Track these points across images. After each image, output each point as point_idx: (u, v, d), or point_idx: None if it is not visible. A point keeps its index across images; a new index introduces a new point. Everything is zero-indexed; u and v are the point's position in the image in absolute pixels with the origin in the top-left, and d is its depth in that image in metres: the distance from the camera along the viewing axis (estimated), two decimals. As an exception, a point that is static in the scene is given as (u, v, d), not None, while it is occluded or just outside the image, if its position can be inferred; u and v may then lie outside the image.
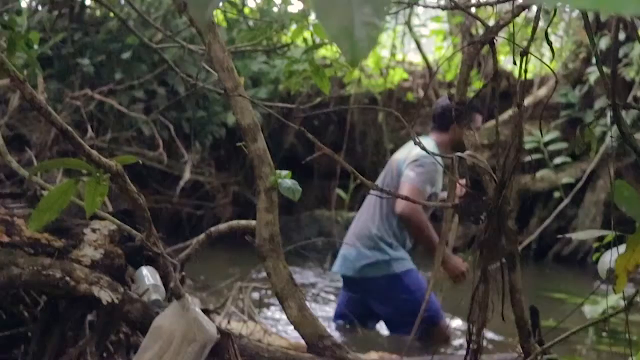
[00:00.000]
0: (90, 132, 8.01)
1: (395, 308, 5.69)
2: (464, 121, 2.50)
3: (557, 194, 10.20)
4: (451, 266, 5.50)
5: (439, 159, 5.41)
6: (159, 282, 3.04)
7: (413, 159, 5.52)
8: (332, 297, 7.44)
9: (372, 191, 5.68)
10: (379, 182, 5.84)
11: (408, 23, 10.91)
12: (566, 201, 9.23)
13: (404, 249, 5.82)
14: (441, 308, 5.65)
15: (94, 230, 3.03)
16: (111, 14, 8.39)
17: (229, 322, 4.78)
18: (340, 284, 8.38)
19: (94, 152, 2.54)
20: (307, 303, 3.02)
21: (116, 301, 2.87)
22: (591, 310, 6.34)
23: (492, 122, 8.43)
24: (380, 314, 5.91)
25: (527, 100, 10.52)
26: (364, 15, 1.00)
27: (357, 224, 5.92)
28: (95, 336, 3.07)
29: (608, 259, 2.11)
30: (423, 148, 2.38)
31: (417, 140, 2.52)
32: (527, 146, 10.09)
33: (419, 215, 5.47)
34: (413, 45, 11.34)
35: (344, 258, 5.89)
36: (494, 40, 2.44)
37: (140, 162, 2.69)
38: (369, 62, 11.31)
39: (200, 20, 1.19)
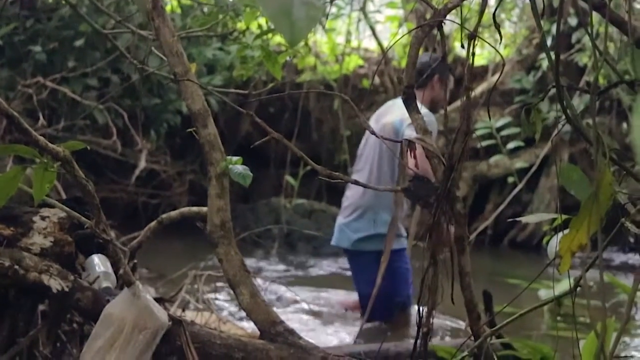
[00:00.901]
0: (42, 121, 7.93)
1: (365, 283, 5.52)
2: (412, 105, 2.51)
3: (511, 179, 10.26)
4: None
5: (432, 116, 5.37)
6: (110, 270, 3.02)
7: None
8: (290, 283, 7.45)
9: (365, 163, 5.67)
10: (363, 151, 5.78)
11: (363, 9, 10.91)
12: (520, 186, 9.31)
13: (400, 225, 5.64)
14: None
15: (43, 218, 2.99)
16: (63, 1, 8.31)
17: (183, 311, 4.76)
18: (292, 272, 8.43)
19: (41, 138, 2.51)
20: (261, 290, 3.02)
21: (66, 289, 2.84)
22: (546, 294, 6.39)
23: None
24: (361, 292, 5.80)
25: (481, 87, 10.57)
26: (302, -5, 0.99)
27: (354, 195, 5.82)
28: (47, 325, 3.05)
29: (555, 242, 2.12)
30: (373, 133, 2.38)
31: (369, 128, 2.53)
32: (480, 132, 10.14)
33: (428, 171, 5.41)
34: (368, 31, 11.34)
35: (340, 230, 5.83)
36: (442, 24, 2.44)
37: (92, 149, 2.67)
38: (325, 49, 11.30)
39: (140, 4, 1.18)
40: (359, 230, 5.63)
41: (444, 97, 5.60)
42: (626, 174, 2.22)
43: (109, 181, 9.58)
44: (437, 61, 5.36)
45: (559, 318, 6.26)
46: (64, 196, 5.91)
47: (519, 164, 10.31)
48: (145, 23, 7.01)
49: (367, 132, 5.77)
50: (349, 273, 8.57)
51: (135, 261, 3.38)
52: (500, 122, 10.38)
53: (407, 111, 2.56)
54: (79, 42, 8.50)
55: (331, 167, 2.98)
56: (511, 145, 10.29)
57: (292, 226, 9.39)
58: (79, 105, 8.55)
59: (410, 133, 5.24)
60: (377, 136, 2.44)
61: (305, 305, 5.93)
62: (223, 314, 5.68)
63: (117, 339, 2.66)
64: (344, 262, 9.19)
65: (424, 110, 5.26)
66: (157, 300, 3.00)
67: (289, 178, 10.39)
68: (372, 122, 5.75)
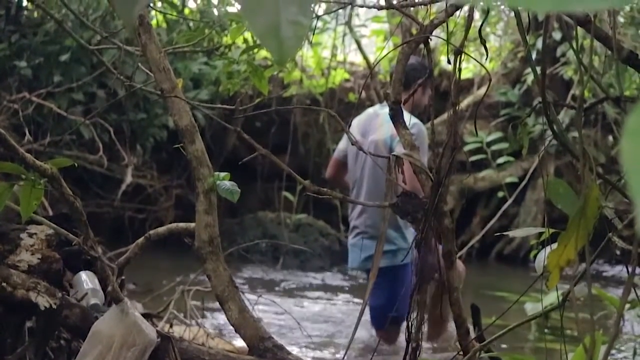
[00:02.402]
0: (28, 136, 7.91)
1: (387, 300, 5.48)
2: (399, 120, 2.52)
3: (500, 194, 10.27)
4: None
5: (421, 125, 5.32)
6: (98, 287, 3.01)
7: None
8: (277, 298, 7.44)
9: (357, 178, 5.63)
10: (354, 172, 5.75)
11: (348, 23, 10.93)
12: (510, 200, 9.32)
13: (407, 238, 5.63)
14: None
15: (30, 235, 2.99)
16: (48, 16, 8.30)
17: (171, 326, 4.75)
18: (279, 286, 8.42)
19: (29, 156, 2.51)
20: (249, 305, 3.02)
21: (54, 306, 2.83)
22: (533, 307, 6.40)
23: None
24: (372, 305, 5.67)
25: (467, 100, 10.60)
26: (291, 14, 1.00)
27: (360, 215, 5.76)
28: (35, 342, 3.04)
29: (543, 256, 2.13)
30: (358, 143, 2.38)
31: (358, 145, 2.53)
32: (470, 147, 10.16)
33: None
34: (354, 45, 11.36)
35: (351, 250, 5.79)
36: (429, 40, 2.45)
37: (78, 165, 2.67)
38: (310, 63, 11.31)
39: (128, 19, 1.18)
40: (366, 249, 5.57)
41: (428, 103, 5.58)
42: (612, 188, 2.24)
43: (95, 196, 9.55)
44: (421, 67, 5.37)
45: (546, 331, 6.27)
46: (50, 213, 5.90)
47: (507, 177, 10.33)
48: (131, 38, 7.01)
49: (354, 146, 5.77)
50: (334, 287, 8.61)
51: (123, 277, 3.38)
52: (491, 137, 10.39)
53: (395, 127, 2.56)
54: (64, 57, 8.48)
55: (318, 182, 2.98)
56: (501, 160, 10.31)
57: (279, 240, 9.37)
58: (64, 120, 8.53)
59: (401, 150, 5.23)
60: (366, 153, 2.44)
61: (292, 320, 5.91)
62: (211, 330, 5.67)
63: (105, 356, 2.65)
64: (330, 276, 9.21)
65: (413, 119, 5.22)
66: (144, 316, 2.99)
67: (287, 194, 10.37)
68: (357, 136, 5.58)
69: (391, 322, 5.33)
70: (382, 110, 5.67)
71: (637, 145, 0.60)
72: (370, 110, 5.97)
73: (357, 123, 5.77)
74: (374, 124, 5.72)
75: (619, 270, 9.55)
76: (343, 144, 6.02)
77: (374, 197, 5.49)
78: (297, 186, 10.16)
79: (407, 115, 5.32)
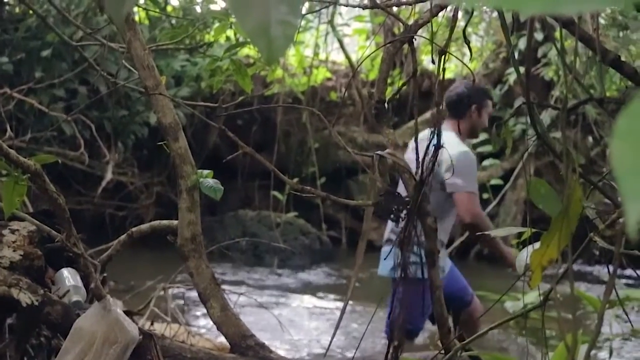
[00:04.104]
0: (9, 132, 7.87)
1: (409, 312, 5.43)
2: (383, 119, 2.52)
3: (486, 196, 10.28)
4: (510, 260, 5.30)
5: (470, 155, 5.30)
6: (80, 284, 3.00)
7: (449, 163, 5.06)
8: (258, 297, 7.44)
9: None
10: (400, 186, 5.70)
11: (331, 22, 10.94)
12: (495, 202, 9.34)
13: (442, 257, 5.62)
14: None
15: (12, 232, 2.98)
16: (30, 11, 8.27)
17: (152, 324, 4.74)
18: (260, 284, 8.42)
19: (12, 152, 2.50)
20: (231, 303, 3.02)
21: (36, 303, 2.82)
22: (513, 306, 6.43)
23: (413, 122, 8.47)
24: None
25: (449, 100, 10.62)
26: (280, 13, 1.00)
27: (389, 225, 5.67)
28: (15, 339, 3.02)
29: (525, 256, 2.15)
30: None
31: (341, 142, 2.53)
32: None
33: (485, 221, 5.32)
34: (336, 44, 11.38)
35: (381, 258, 5.71)
36: (413, 40, 2.46)
37: (60, 161, 2.66)
38: (292, 61, 11.32)
39: (116, 17, 1.18)
40: (391, 257, 5.53)
41: (485, 122, 5.54)
42: (593, 188, 2.25)
43: (75, 193, 9.52)
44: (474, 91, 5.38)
45: (523, 332, 6.30)
46: (31, 209, 5.87)
47: (488, 178, 10.36)
48: (113, 34, 7.00)
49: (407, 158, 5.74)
50: (314, 285, 8.62)
51: (105, 274, 3.37)
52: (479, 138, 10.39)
53: (377, 126, 2.57)
54: (45, 53, 8.45)
55: (298, 180, 2.99)
56: (487, 162, 10.33)
57: (260, 238, 9.37)
58: (46, 116, 8.50)
59: (455, 182, 5.13)
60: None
61: (274, 318, 5.91)
62: (192, 327, 5.66)
63: (87, 353, 2.65)
64: (309, 274, 9.22)
65: (461, 148, 5.20)
66: (126, 313, 2.98)
67: (276, 193, 10.37)
68: (409, 153, 5.64)
69: (407, 335, 5.33)
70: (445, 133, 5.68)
71: (627, 146, 0.61)
72: (427, 131, 5.98)
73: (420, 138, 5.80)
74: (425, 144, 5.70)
75: (598, 270, 9.61)
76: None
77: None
78: (277, 184, 10.16)
79: (451, 135, 5.30)
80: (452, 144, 5.05)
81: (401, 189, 5.53)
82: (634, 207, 0.59)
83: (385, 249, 5.70)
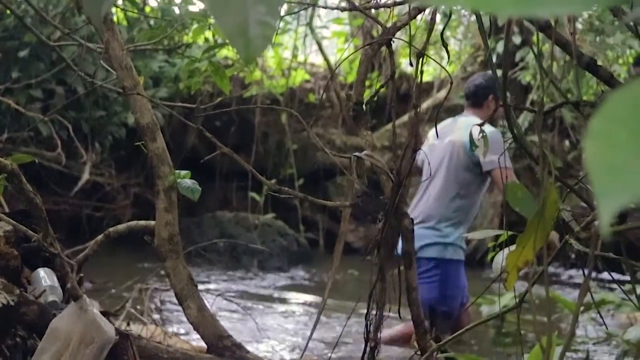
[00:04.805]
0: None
1: (435, 294, 5.55)
2: (361, 121, 2.53)
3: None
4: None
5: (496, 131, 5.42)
6: (56, 284, 2.99)
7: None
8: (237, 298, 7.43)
9: (427, 174, 5.73)
10: (431, 165, 5.81)
11: (310, 24, 10.95)
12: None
13: (462, 229, 5.77)
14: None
15: (-12, 231, 2.97)
16: (8, 11, 8.22)
17: (128, 324, 4.73)
18: (237, 286, 8.41)
19: (-12, 151, 2.49)
20: (208, 304, 3.02)
21: (12, 303, 2.81)
22: (489, 309, 6.45)
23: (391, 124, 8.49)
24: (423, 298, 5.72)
25: (427, 103, 10.66)
26: (259, 14, 1.01)
27: (419, 205, 5.87)
28: (-10, 339, 3.01)
29: (501, 258, 2.16)
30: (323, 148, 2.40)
31: (319, 144, 2.54)
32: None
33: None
34: (315, 46, 11.39)
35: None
36: (391, 42, 2.47)
37: (36, 161, 2.65)
38: (271, 63, 11.32)
39: (95, 17, 1.18)
40: (421, 238, 5.63)
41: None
42: (569, 191, 2.27)
43: (52, 193, 9.47)
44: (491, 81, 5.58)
45: (501, 333, 6.33)
46: (7, 209, 5.84)
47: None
48: (91, 35, 6.98)
49: (428, 145, 5.85)
50: (292, 286, 8.62)
51: (82, 275, 3.36)
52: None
53: (355, 128, 2.58)
54: (23, 53, 8.40)
55: (277, 181, 2.99)
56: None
57: (237, 240, 9.36)
58: (22, 116, 8.45)
59: (491, 158, 5.33)
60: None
61: (251, 319, 5.91)
62: (169, 328, 5.65)
63: (63, 354, 2.64)
64: (286, 276, 9.22)
65: (489, 128, 5.32)
66: (102, 314, 2.98)
67: (253, 194, 10.35)
68: (433, 139, 5.90)
69: (442, 317, 5.35)
70: (460, 118, 5.97)
71: (600, 147, 0.62)
72: (449, 119, 6.16)
73: (439, 128, 5.91)
74: (453, 127, 5.92)
75: (573, 273, 9.66)
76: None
77: (442, 192, 5.73)
78: (255, 186, 10.15)
79: (477, 121, 5.43)
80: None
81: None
82: (607, 207, 0.60)
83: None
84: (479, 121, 5.38)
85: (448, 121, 6.12)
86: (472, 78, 6.07)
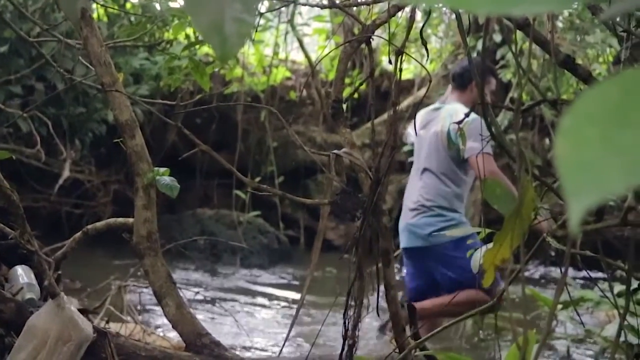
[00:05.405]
0: (-36, 129, 7.78)
1: (461, 269, 5.45)
2: (340, 118, 2.53)
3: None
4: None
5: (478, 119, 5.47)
6: (34, 281, 2.98)
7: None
8: (218, 295, 7.42)
9: (420, 165, 5.79)
10: (422, 156, 5.92)
11: (291, 22, 10.93)
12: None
13: (462, 213, 5.91)
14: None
15: (-35, 228, 2.95)
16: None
17: (107, 322, 4.71)
18: (217, 283, 8.40)
19: (-35, 148, 2.48)
20: (187, 302, 3.01)
21: (-11, 301, 2.80)
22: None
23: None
24: (443, 280, 5.80)
25: (407, 101, 10.67)
26: (235, 11, 1.00)
27: (412, 197, 5.96)
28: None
29: (479, 256, 2.16)
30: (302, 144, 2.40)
31: (298, 141, 2.54)
32: (411, 147, 10.21)
33: (504, 179, 5.53)
34: (296, 44, 11.37)
35: (409, 231, 5.86)
36: (371, 40, 2.47)
37: (15, 158, 2.64)
38: (252, 60, 11.30)
39: (70, 14, 1.18)
40: (431, 225, 5.68)
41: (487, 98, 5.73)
42: (547, 190, 2.28)
43: (31, 190, 9.42)
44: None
45: (481, 331, 6.35)
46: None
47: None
48: (71, 31, 6.95)
49: (415, 136, 5.89)
50: (272, 284, 8.62)
51: (60, 272, 3.34)
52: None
53: (336, 125, 2.58)
54: (2, 49, 8.35)
55: (258, 179, 2.98)
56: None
57: (218, 237, 9.35)
58: (1, 113, 8.40)
59: (471, 145, 5.25)
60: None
61: (230, 317, 5.91)
62: (149, 326, 5.64)
63: (40, 351, 2.63)
64: (267, 273, 9.22)
65: (472, 115, 5.37)
66: (81, 311, 2.97)
67: (238, 192, 10.33)
68: (419, 127, 5.83)
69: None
70: (442, 106, 5.92)
71: (570, 145, 0.62)
72: (430, 107, 6.11)
73: (419, 116, 5.94)
74: (436, 117, 5.91)
75: (553, 271, 9.69)
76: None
77: (436, 181, 5.80)
78: (239, 183, 10.13)
79: (466, 110, 5.52)
80: (462, 112, 5.31)
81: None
82: (577, 205, 0.60)
83: (414, 220, 5.84)
84: (462, 110, 5.46)
85: (430, 108, 6.12)
86: (460, 60, 6.12)
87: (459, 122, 2.49)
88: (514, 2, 0.71)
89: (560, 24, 8.97)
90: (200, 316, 5.48)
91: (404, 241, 5.94)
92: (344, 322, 2.46)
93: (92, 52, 2.86)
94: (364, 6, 3.01)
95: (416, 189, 5.95)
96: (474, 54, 9.21)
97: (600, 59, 9.41)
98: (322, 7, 2.84)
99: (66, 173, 9.10)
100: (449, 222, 5.76)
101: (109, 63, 2.88)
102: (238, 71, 10.67)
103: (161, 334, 5.26)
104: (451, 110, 5.64)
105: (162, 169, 2.87)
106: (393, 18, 2.56)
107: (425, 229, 5.77)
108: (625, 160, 0.60)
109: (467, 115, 2.62)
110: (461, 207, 5.91)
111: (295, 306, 7.35)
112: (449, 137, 5.65)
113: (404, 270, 6.20)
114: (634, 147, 0.60)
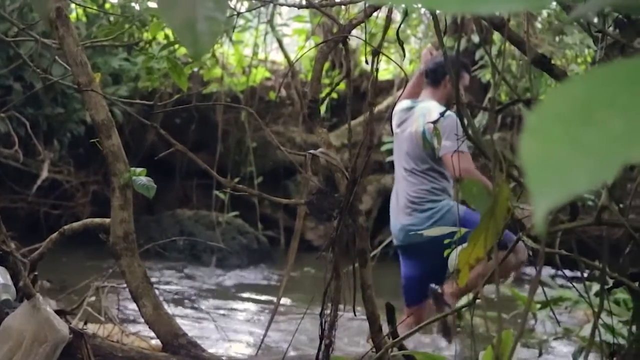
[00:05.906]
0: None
1: (423, 272, 5.63)
2: (316, 118, 2.53)
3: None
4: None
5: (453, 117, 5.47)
6: (9, 282, 2.96)
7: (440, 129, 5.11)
8: (193, 296, 7.40)
9: (401, 165, 5.78)
10: (401, 155, 5.92)
11: (270, 22, 10.93)
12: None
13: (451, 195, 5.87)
14: None
15: (-60, 229, 2.93)
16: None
17: (85, 323, 4.69)
18: (196, 284, 8.38)
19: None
20: (165, 302, 3.01)
21: (-36, 302, 2.78)
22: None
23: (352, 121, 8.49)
24: (408, 276, 5.87)
25: (386, 101, 10.67)
26: (207, 9, 1.00)
27: (401, 198, 5.97)
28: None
29: (455, 255, 2.17)
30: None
31: (274, 142, 2.53)
32: (388, 147, 10.22)
33: (479, 176, 5.54)
34: (275, 44, 11.37)
35: (405, 230, 5.84)
36: (347, 39, 2.47)
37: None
38: (232, 60, 11.29)
39: (41, 12, 1.17)
40: (427, 219, 5.70)
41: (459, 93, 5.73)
42: (525, 189, 2.28)
43: (9, 191, 9.39)
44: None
45: (459, 329, 6.36)
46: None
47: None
48: (48, 31, 6.90)
49: (394, 135, 5.90)
50: (250, 285, 8.61)
51: (36, 273, 3.33)
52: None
53: (312, 125, 2.58)
54: (-21, 49, 8.32)
55: (237, 179, 2.98)
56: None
57: (197, 238, 9.33)
58: (-21, 113, 8.37)
59: (444, 144, 5.21)
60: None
61: (209, 317, 5.90)
62: (127, 327, 5.61)
63: (16, 353, 2.62)
64: (246, 274, 9.21)
65: (448, 112, 5.38)
66: (58, 312, 2.95)
67: (218, 193, 10.30)
68: (395, 125, 5.92)
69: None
70: (416, 105, 5.88)
71: (535, 142, 0.62)
72: (404, 103, 6.07)
73: (394, 115, 5.97)
74: (410, 116, 5.90)
75: (530, 270, 9.73)
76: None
77: (418, 179, 5.80)
78: (218, 183, 10.10)
79: (435, 105, 5.51)
80: (435, 110, 5.35)
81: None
82: (541, 203, 0.60)
83: (409, 218, 5.85)
84: (435, 108, 5.47)
85: (404, 105, 6.08)
86: (435, 56, 6.08)
87: (435, 122, 2.49)
88: (479, 1, 0.71)
89: (539, 25, 9.01)
90: (177, 317, 5.47)
91: (399, 239, 5.96)
92: (321, 323, 2.46)
93: (69, 51, 2.85)
94: (343, 6, 3.02)
95: (403, 189, 5.96)
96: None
97: (579, 60, 9.46)
98: (300, 7, 2.84)
99: (44, 174, 9.07)
100: (441, 210, 5.74)
101: (85, 63, 2.87)
102: (217, 71, 10.66)
103: (141, 334, 5.25)
104: (424, 109, 5.63)
105: (138, 169, 2.87)
106: (372, 19, 2.56)
107: (421, 225, 5.77)
108: (590, 158, 0.60)
109: (442, 114, 2.63)
110: (451, 189, 5.90)
111: (272, 306, 7.35)
112: (424, 137, 5.66)
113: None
114: (599, 146, 0.61)
